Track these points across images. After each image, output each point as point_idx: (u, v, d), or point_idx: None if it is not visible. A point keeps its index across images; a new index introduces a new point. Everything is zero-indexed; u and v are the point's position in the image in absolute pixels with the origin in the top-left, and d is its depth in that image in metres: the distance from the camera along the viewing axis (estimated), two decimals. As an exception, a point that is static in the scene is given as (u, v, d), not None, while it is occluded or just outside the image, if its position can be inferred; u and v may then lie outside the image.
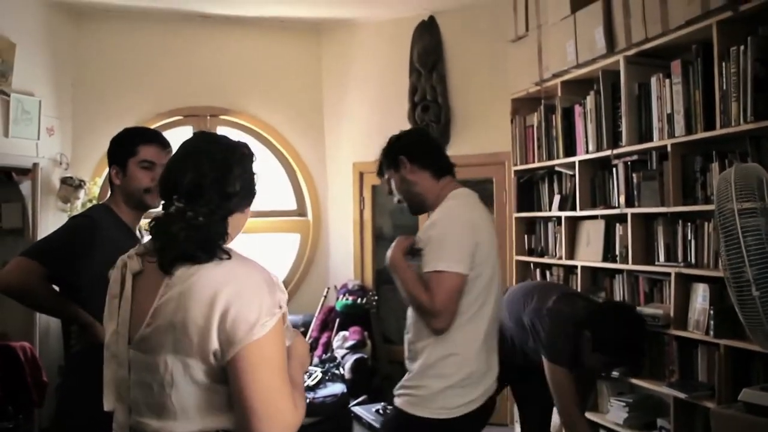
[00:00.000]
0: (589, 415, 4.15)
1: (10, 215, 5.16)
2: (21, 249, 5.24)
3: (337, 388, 4.99)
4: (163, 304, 1.45)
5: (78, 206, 5.26)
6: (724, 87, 3.13)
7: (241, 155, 1.62)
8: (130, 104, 5.71)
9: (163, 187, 1.59)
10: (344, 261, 6.22)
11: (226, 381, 1.44)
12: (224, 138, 1.68)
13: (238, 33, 6.05)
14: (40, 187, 5.05)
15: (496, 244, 2.58)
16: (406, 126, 5.65)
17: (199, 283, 1.43)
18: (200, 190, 1.52)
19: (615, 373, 3.61)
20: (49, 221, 5.20)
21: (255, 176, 1.64)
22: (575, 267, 4.34)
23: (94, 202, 5.21)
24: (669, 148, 3.49)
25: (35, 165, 5.05)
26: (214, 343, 1.41)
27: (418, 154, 2.63)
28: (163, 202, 1.60)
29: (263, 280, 1.49)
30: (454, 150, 5.57)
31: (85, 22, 5.69)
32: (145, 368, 1.49)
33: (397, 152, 2.65)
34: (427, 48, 5.60)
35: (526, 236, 5.00)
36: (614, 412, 3.89)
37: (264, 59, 6.16)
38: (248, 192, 1.62)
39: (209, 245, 1.48)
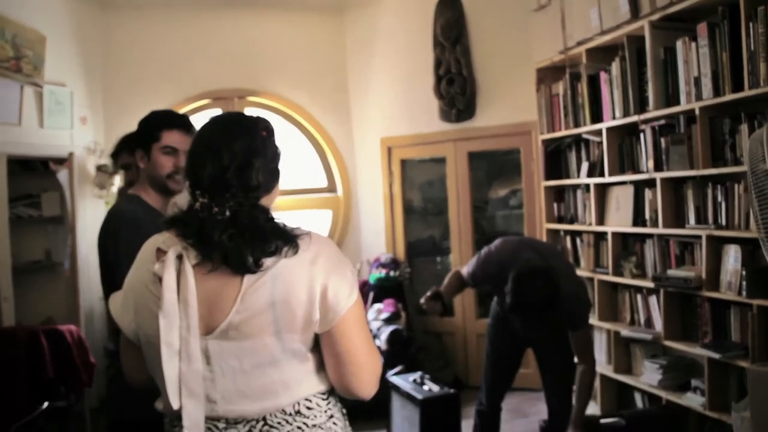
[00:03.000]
0: (622, 377, 4.22)
1: (50, 204, 5.30)
2: (61, 236, 5.38)
3: (373, 360, 5.05)
4: (253, 289, 1.46)
5: (114, 192, 5.39)
6: (752, 47, 3.12)
7: (262, 140, 1.57)
8: (158, 90, 5.80)
9: (188, 179, 1.57)
10: (376, 235, 6.29)
11: (317, 347, 1.55)
12: (242, 121, 1.61)
13: (262, 15, 6.10)
14: (77, 175, 5.18)
15: None
16: (433, 100, 5.69)
17: (290, 264, 1.49)
18: (224, 184, 1.50)
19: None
20: (87, 208, 5.35)
21: (278, 154, 1.61)
22: (605, 233, 4.37)
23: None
24: (697, 112, 3.48)
25: (71, 154, 5.17)
26: (317, 315, 1.50)
27: None
28: (189, 190, 1.58)
29: (337, 248, 1.62)
30: (480, 121, 5.60)
31: (112, 11, 5.77)
32: (234, 356, 1.48)
33: None
34: (450, 21, 5.59)
35: (555, 204, 5.03)
36: (648, 373, 3.95)
37: (288, 39, 6.20)
38: (273, 176, 1.60)
39: (283, 235, 1.51)
